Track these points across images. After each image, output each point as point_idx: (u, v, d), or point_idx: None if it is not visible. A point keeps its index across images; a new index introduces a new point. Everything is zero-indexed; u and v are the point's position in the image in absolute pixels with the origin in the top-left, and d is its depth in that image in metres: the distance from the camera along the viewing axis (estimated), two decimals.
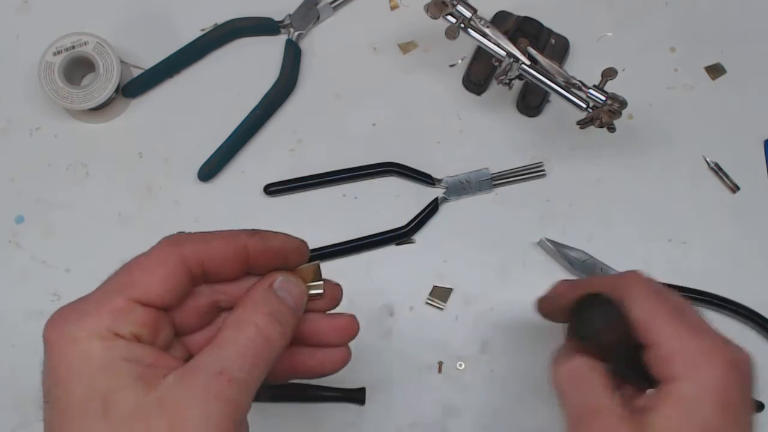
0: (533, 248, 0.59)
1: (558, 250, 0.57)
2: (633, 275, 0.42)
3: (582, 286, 0.44)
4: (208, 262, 0.37)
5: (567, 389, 0.40)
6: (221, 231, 0.38)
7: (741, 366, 0.38)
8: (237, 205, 0.60)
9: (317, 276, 0.40)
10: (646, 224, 0.59)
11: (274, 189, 0.59)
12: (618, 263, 0.58)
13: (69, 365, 0.33)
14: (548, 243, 0.58)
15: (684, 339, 0.38)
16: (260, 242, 0.37)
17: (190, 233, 0.38)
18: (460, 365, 0.57)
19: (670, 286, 0.57)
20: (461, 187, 0.59)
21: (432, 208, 0.59)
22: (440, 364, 0.57)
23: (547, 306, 0.46)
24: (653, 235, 0.59)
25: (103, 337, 0.33)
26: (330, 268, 0.58)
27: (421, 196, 0.59)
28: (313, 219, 0.59)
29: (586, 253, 0.57)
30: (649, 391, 0.40)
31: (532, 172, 0.59)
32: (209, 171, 0.59)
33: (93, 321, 0.34)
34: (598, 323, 0.38)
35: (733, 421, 0.37)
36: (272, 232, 0.38)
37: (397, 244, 0.59)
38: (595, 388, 0.39)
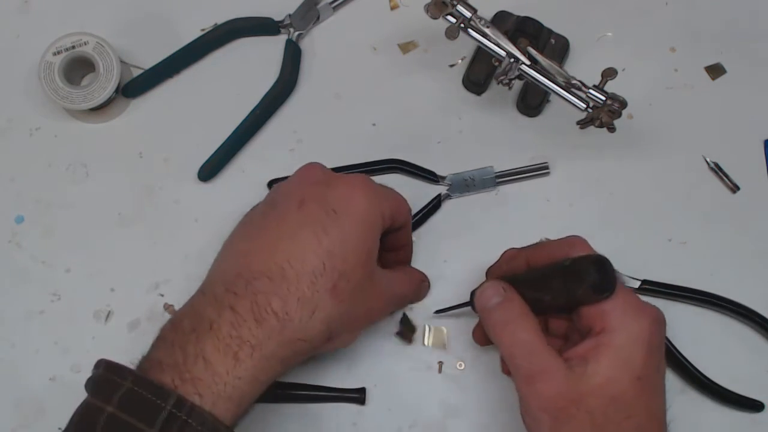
0: None
1: None
2: (576, 239, 0.49)
3: (531, 250, 0.51)
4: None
5: (516, 351, 0.46)
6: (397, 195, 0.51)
7: (660, 321, 0.46)
8: (237, 204, 0.60)
9: None
10: (646, 224, 0.59)
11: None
12: (618, 263, 0.57)
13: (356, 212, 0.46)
14: None
15: (616, 297, 0.45)
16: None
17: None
18: (460, 365, 0.57)
19: (670, 285, 0.57)
20: (465, 185, 0.59)
21: (434, 205, 0.59)
22: (440, 364, 0.57)
23: (497, 271, 0.53)
24: (653, 235, 0.59)
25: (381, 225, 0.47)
26: None
27: (424, 193, 0.59)
28: None
29: None
30: (584, 343, 0.45)
31: (537, 170, 0.59)
32: (209, 171, 0.59)
33: (384, 212, 0.48)
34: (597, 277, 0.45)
35: (656, 365, 0.45)
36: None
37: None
38: (542, 352, 0.45)
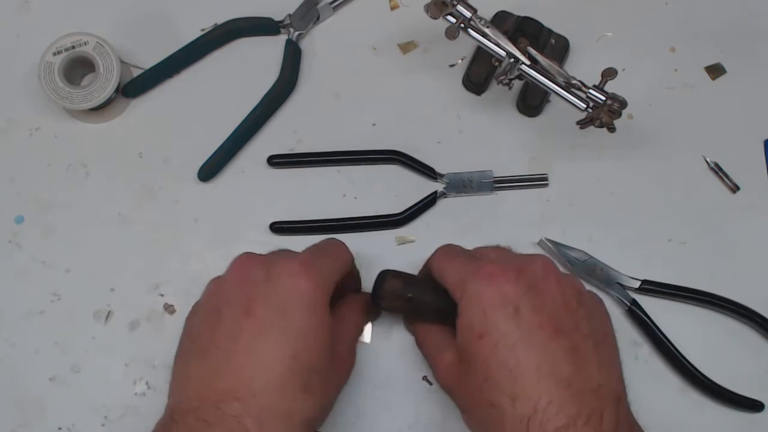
0: (533, 248, 0.59)
1: (558, 250, 0.57)
2: (438, 248, 0.52)
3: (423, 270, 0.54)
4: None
5: (422, 348, 0.53)
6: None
7: (506, 274, 0.46)
8: (237, 204, 0.60)
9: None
10: (646, 224, 0.59)
11: (277, 161, 0.60)
12: (618, 263, 0.58)
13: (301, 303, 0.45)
14: (548, 243, 0.58)
15: (459, 271, 0.48)
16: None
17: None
18: None
19: (670, 285, 0.57)
20: (462, 185, 0.59)
21: (429, 201, 0.59)
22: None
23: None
24: (653, 235, 0.59)
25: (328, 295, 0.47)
26: None
27: (421, 188, 0.59)
28: (311, 195, 0.60)
29: (586, 253, 0.57)
30: None
31: (536, 181, 0.59)
32: (209, 171, 0.59)
33: (328, 283, 0.47)
34: (381, 295, 0.50)
35: (505, 318, 0.44)
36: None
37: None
38: (437, 341, 0.50)
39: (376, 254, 0.58)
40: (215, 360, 0.44)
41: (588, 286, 0.57)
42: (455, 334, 0.47)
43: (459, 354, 0.47)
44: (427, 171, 0.60)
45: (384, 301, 0.51)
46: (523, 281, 0.45)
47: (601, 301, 0.50)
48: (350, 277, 0.54)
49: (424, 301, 0.51)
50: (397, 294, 0.50)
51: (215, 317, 0.45)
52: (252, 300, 0.44)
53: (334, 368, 0.47)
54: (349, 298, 0.54)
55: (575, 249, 0.58)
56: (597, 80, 0.53)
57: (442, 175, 0.60)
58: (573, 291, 0.47)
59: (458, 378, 0.47)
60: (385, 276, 0.51)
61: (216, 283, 0.48)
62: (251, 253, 0.49)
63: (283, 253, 0.50)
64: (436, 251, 0.52)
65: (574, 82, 0.54)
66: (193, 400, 0.43)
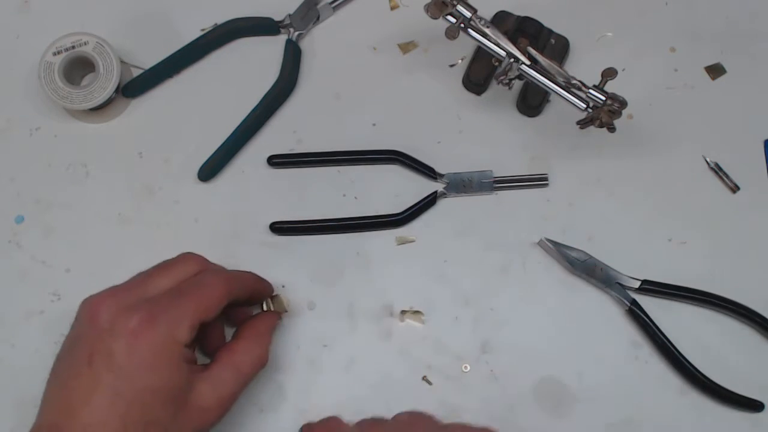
0: (533, 248, 0.59)
1: (558, 250, 0.57)
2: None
3: None
4: (236, 296, 0.50)
5: None
6: (242, 274, 0.53)
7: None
8: (237, 205, 0.60)
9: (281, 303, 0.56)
10: (646, 224, 0.59)
11: (277, 161, 0.60)
12: (618, 263, 0.58)
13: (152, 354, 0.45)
14: (548, 243, 0.58)
15: None
16: (265, 288, 0.55)
17: (224, 271, 0.52)
18: (466, 368, 0.57)
19: (670, 285, 0.57)
20: (462, 185, 0.59)
21: (429, 201, 0.59)
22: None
23: None
24: (653, 235, 0.59)
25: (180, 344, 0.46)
26: (329, 261, 0.59)
27: (421, 188, 0.59)
28: (311, 195, 0.60)
29: (586, 253, 0.57)
30: None
31: (536, 181, 0.59)
32: (209, 171, 0.59)
33: (178, 333, 0.46)
34: None
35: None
36: (260, 278, 0.54)
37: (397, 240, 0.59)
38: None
39: (376, 254, 0.58)
40: (62, 400, 0.45)
41: (588, 286, 0.58)
42: None
43: None
44: (427, 171, 0.60)
45: None
46: None
47: None
48: (246, 295, 0.52)
49: None
50: None
51: (69, 352, 0.46)
52: (94, 350, 0.44)
53: (185, 420, 0.46)
54: (249, 334, 0.52)
55: (575, 249, 0.58)
56: (597, 80, 0.53)
57: (442, 175, 0.60)
58: None
59: None
60: None
61: (81, 309, 0.47)
62: (115, 288, 0.48)
63: (142, 287, 0.48)
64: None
65: (574, 82, 0.54)
66: (45, 428, 0.44)
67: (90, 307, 0.46)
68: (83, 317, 0.46)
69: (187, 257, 0.51)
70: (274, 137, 0.61)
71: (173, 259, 0.51)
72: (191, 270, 0.50)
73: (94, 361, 0.44)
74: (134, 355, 0.44)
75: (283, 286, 0.57)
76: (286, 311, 0.56)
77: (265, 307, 0.55)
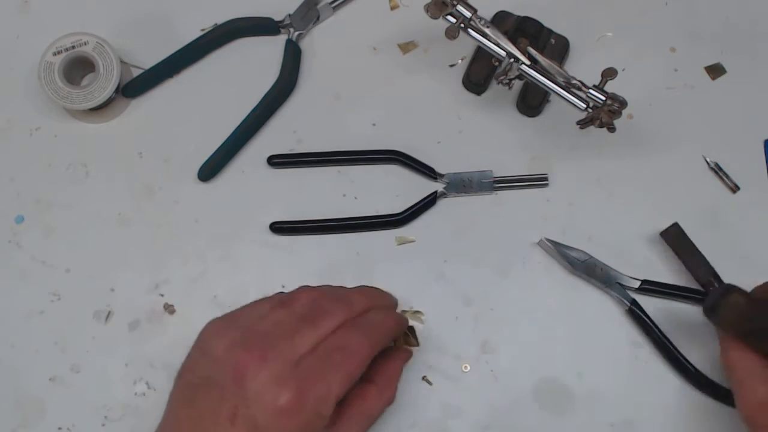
0: (533, 248, 0.59)
1: (558, 250, 0.57)
2: None
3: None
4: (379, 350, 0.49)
5: (733, 371, 0.50)
6: (386, 324, 0.50)
7: None
8: (237, 205, 0.60)
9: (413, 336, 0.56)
10: (647, 224, 0.59)
11: (277, 161, 0.60)
12: (618, 263, 0.58)
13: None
14: (548, 243, 0.58)
15: None
16: (402, 328, 0.53)
17: (369, 329, 0.48)
18: (466, 368, 0.57)
19: (670, 285, 0.57)
20: (462, 185, 0.59)
21: (429, 201, 0.59)
22: (441, 365, 0.57)
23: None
24: (653, 235, 0.59)
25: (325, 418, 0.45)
26: (329, 261, 0.59)
27: (421, 188, 0.59)
28: (311, 195, 0.60)
29: (586, 253, 0.57)
30: None
31: (536, 181, 0.59)
32: (209, 171, 0.59)
33: (324, 410, 0.44)
34: (721, 305, 0.48)
35: None
36: (399, 315, 0.53)
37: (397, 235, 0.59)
38: (753, 368, 0.48)
39: (376, 254, 0.58)
40: None
41: (588, 286, 0.58)
42: None
43: None
44: (427, 171, 0.60)
45: (720, 314, 0.49)
46: None
47: None
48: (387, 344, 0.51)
49: (764, 327, 0.48)
50: (739, 312, 0.48)
51: (209, 393, 0.44)
52: (238, 412, 0.43)
53: None
54: (364, 398, 0.49)
55: (575, 249, 0.58)
56: (597, 80, 0.53)
57: (442, 175, 0.60)
58: None
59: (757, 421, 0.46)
60: (730, 290, 0.49)
61: (224, 348, 0.45)
62: (263, 343, 0.45)
63: (290, 346, 0.45)
64: None
65: (574, 82, 0.54)
66: None
67: (235, 361, 0.43)
68: (228, 369, 0.44)
69: (331, 307, 0.47)
70: (274, 137, 0.61)
71: (321, 304, 0.48)
72: (338, 321, 0.46)
73: (238, 423, 0.43)
74: (278, 430, 0.43)
75: (282, 286, 0.57)
76: (417, 345, 0.55)
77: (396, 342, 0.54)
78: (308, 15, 0.62)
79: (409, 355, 0.54)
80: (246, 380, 0.43)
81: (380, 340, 0.48)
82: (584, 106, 0.54)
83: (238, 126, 0.60)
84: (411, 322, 0.56)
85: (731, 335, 0.50)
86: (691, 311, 0.57)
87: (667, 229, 0.57)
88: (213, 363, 0.45)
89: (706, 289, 0.56)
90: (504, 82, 0.55)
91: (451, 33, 0.54)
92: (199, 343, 0.47)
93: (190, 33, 0.62)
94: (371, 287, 0.53)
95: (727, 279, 0.57)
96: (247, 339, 0.45)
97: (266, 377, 0.43)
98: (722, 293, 0.49)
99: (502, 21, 0.61)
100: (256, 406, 0.42)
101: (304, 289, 0.50)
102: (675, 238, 0.57)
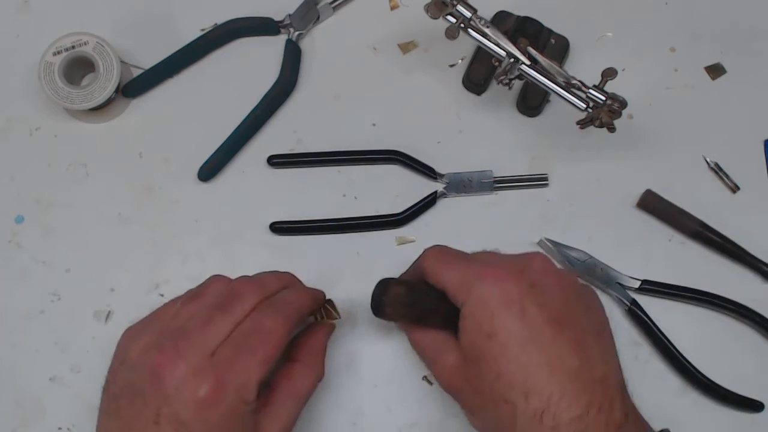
0: (533, 248, 0.59)
1: (558, 250, 0.57)
2: (428, 249, 0.51)
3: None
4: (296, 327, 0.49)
5: (423, 352, 0.51)
6: (299, 301, 0.50)
7: (510, 277, 0.46)
8: (237, 205, 0.60)
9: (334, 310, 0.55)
10: (647, 224, 0.59)
11: (277, 161, 0.60)
12: (618, 263, 0.58)
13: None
14: (548, 243, 0.58)
15: (460, 275, 0.47)
16: (318, 302, 0.53)
17: (282, 307, 0.49)
18: None
19: (670, 285, 0.57)
20: (462, 185, 0.59)
21: (429, 201, 0.59)
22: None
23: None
24: (653, 235, 0.59)
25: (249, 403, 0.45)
26: (329, 261, 0.59)
27: (421, 188, 0.59)
28: (311, 195, 0.60)
29: (586, 253, 0.57)
30: None
31: (536, 181, 0.59)
32: (209, 171, 0.59)
33: (246, 395, 0.45)
34: (386, 302, 0.49)
35: (513, 317, 0.45)
36: (313, 290, 0.53)
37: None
38: (437, 339, 0.50)
39: (376, 254, 0.58)
40: None
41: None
42: (454, 336, 0.48)
43: (464, 355, 0.47)
44: (427, 171, 0.60)
45: (390, 309, 0.49)
46: (525, 280, 0.46)
47: (594, 292, 0.51)
48: (303, 320, 0.52)
49: (427, 307, 0.50)
50: (402, 301, 0.49)
51: (132, 400, 0.44)
52: (161, 412, 0.43)
53: None
54: (293, 369, 0.50)
55: (575, 249, 0.58)
56: (597, 80, 0.53)
57: (442, 175, 0.60)
58: (571, 285, 0.48)
59: (464, 379, 0.47)
60: (387, 284, 0.49)
61: (139, 352, 0.45)
62: (176, 339, 0.45)
63: (203, 337, 0.45)
64: (427, 253, 0.51)
65: (574, 82, 0.54)
66: None
67: (151, 363, 0.44)
68: (145, 372, 0.44)
69: (241, 289, 0.48)
70: (274, 137, 0.61)
71: (230, 290, 0.48)
72: (249, 304, 0.47)
73: (162, 423, 0.43)
74: (203, 422, 0.43)
75: None
76: (339, 318, 0.54)
77: (318, 316, 0.54)
78: (308, 15, 0.62)
79: (332, 328, 0.54)
80: (164, 379, 0.43)
81: (295, 317, 0.48)
82: (584, 106, 0.54)
83: (238, 126, 0.60)
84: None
85: (406, 324, 0.52)
86: (691, 311, 0.57)
87: (642, 198, 0.58)
88: (131, 370, 0.45)
89: (702, 237, 0.57)
90: (504, 82, 0.55)
91: (451, 33, 0.54)
92: (117, 352, 0.47)
93: (190, 33, 0.62)
94: (287, 272, 0.54)
95: (727, 279, 0.57)
96: (160, 339, 0.45)
97: (182, 372, 0.43)
98: (381, 291, 0.49)
99: (502, 21, 0.61)
100: (177, 402, 0.43)
101: (215, 278, 0.50)
102: (652, 204, 0.58)
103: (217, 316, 0.46)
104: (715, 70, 0.62)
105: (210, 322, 0.46)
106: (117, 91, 0.60)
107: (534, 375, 0.44)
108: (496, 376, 0.44)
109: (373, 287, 0.49)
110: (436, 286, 0.49)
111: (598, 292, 0.57)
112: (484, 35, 0.54)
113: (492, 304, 0.45)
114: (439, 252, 0.51)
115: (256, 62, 0.62)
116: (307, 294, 0.52)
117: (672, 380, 0.56)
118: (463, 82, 0.62)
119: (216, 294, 0.48)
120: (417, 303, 0.49)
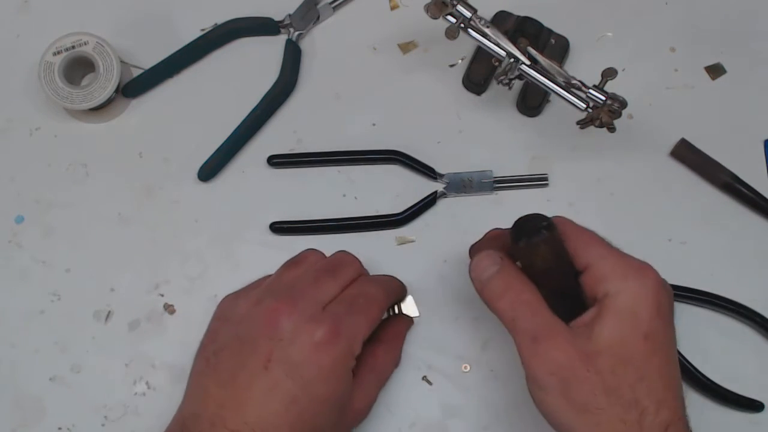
0: None
1: None
2: (561, 218, 0.47)
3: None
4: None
5: (518, 314, 0.44)
6: (393, 282, 0.55)
7: (665, 284, 0.45)
8: (237, 204, 0.60)
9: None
10: (646, 224, 0.59)
11: (277, 161, 0.60)
12: None
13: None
14: None
15: (616, 260, 0.45)
16: (404, 293, 0.56)
17: (381, 282, 0.53)
18: (466, 368, 0.57)
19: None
20: (462, 185, 0.59)
21: (430, 201, 0.59)
22: (441, 365, 0.57)
23: (482, 248, 0.49)
24: (653, 235, 0.59)
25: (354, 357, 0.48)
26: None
27: (421, 188, 0.59)
28: (311, 195, 0.60)
29: None
30: (588, 311, 0.44)
31: (536, 181, 0.59)
32: (209, 171, 0.59)
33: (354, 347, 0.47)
34: (535, 237, 0.43)
35: (664, 325, 0.44)
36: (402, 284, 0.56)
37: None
38: (545, 312, 0.44)
39: (376, 254, 0.58)
40: (230, 396, 0.45)
41: None
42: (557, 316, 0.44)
43: (598, 346, 0.42)
44: (427, 171, 0.60)
45: (543, 247, 0.44)
46: (666, 286, 0.45)
47: None
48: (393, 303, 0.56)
49: (561, 269, 0.45)
50: (554, 248, 0.44)
51: (237, 350, 0.46)
52: (272, 356, 0.45)
53: (342, 425, 0.49)
54: (385, 345, 0.53)
55: None
56: (597, 80, 0.53)
57: (442, 175, 0.60)
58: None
59: (595, 371, 0.42)
60: (549, 224, 0.44)
61: (248, 306, 0.48)
62: (291, 292, 0.48)
63: (315, 293, 0.48)
64: (562, 219, 0.47)
65: (574, 82, 0.54)
66: (203, 422, 0.45)
67: (268, 312, 0.46)
68: (262, 321, 0.46)
69: (345, 259, 0.51)
70: (274, 137, 0.61)
71: (334, 259, 0.51)
72: (352, 274, 0.50)
73: (272, 367, 0.45)
74: (316, 366, 0.45)
75: None
76: (418, 315, 0.57)
77: (396, 310, 0.57)
78: (308, 15, 0.62)
79: (411, 322, 0.56)
80: (280, 323, 0.45)
81: (392, 293, 0.53)
82: (584, 106, 0.54)
83: (238, 126, 0.60)
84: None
85: (528, 273, 0.46)
86: (691, 311, 0.57)
87: (675, 147, 0.58)
88: (239, 322, 0.47)
89: (731, 190, 0.57)
90: (504, 82, 0.55)
91: (451, 33, 0.54)
92: (218, 314, 0.50)
93: (190, 33, 0.62)
94: None
95: (726, 279, 0.57)
96: (273, 291, 0.48)
97: (299, 318, 0.46)
98: (546, 225, 0.44)
99: (502, 21, 0.61)
100: (291, 345, 0.45)
101: (311, 250, 0.53)
102: (685, 153, 0.58)
103: (325, 276, 0.49)
104: (715, 70, 0.62)
105: (319, 281, 0.49)
106: (117, 91, 0.60)
107: (669, 386, 0.43)
108: (639, 378, 0.42)
109: (524, 217, 0.45)
110: (572, 257, 0.45)
111: None
112: (484, 35, 0.54)
113: (652, 303, 0.43)
114: (590, 233, 0.47)
115: (256, 62, 0.62)
116: (398, 281, 0.55)
117: None
118: (463, 82, 0.62)
119: (316, 262, 0.51)
120: (561, 257, 0.45)
